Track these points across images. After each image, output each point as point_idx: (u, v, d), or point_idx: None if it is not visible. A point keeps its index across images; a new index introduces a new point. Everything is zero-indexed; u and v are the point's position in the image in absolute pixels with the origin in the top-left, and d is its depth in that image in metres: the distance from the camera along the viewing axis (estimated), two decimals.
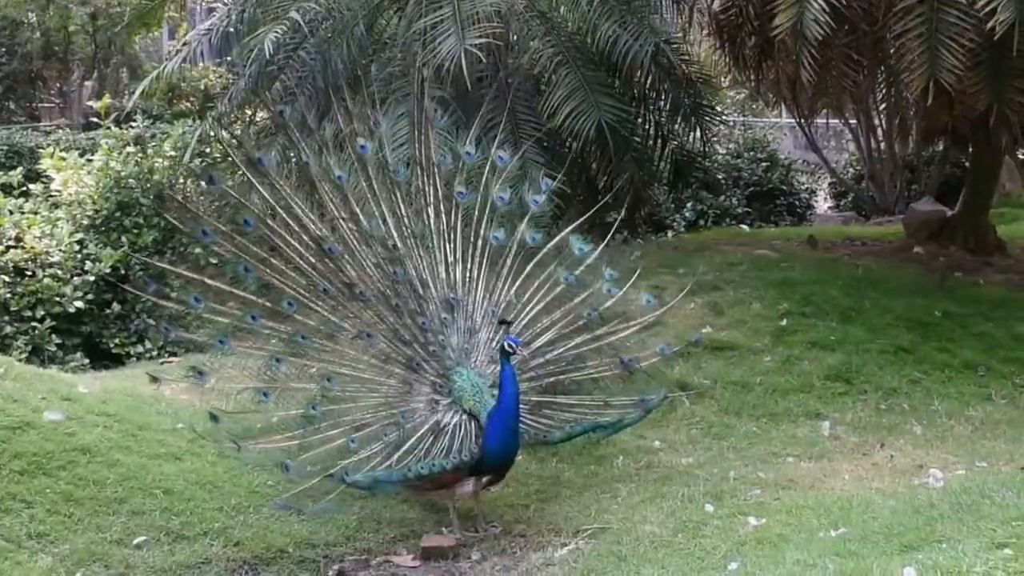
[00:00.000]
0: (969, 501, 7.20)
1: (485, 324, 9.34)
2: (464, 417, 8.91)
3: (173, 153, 17.09)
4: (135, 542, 8.57)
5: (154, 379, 10.42)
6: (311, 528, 9.09)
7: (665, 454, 10.59)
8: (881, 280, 15.27)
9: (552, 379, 9.54)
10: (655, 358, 9.95)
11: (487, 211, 9.62)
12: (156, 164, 16.52)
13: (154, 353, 14.80)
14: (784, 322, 13.52)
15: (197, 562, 8.50)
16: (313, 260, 9.30)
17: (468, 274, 9.46)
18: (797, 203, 25.73)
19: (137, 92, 18.00)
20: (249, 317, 9.46)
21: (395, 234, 9.34)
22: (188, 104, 24.71)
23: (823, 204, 28.18)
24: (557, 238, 9.75)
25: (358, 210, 9.38)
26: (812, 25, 12.62)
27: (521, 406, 8.91)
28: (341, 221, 9.34)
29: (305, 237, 9.30)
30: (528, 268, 9.60)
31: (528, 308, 9.49)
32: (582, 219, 10.15)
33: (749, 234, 20.64)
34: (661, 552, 8.20)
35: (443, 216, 9.52)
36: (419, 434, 8.86)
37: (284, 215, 9.35)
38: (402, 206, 9.46)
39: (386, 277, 9.25)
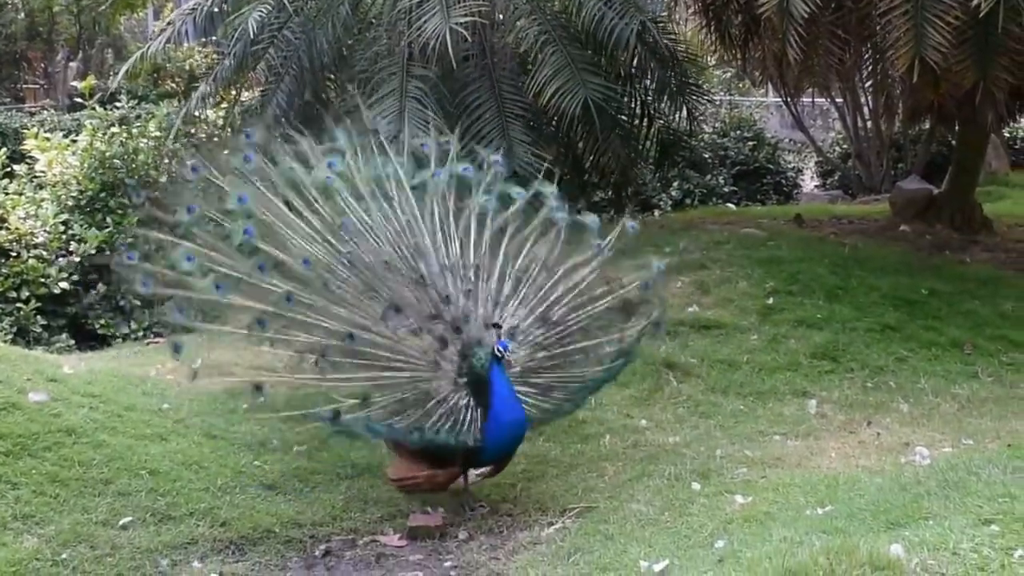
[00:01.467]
0: (956, 478, 7.20)
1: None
2: (473, 402, 8.82)
3: (158, 134, 17.04)
4: (121, 523, 8.54)
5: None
6: (298, 508, 9.08)
7: (652, 433, 10.58)
8: (868, 258, 15.28)
9: (561, 351, 9.40)
10: (650, 276, 9.77)
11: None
12: (141, 145, 16.45)
13: (140, 334, 14.77)
14: (771, 300, 13.53)
15: (183, 542, 8.47)
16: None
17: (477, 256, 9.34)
18: (784, 182, 25.74)
19: (121, 72, 17.97)
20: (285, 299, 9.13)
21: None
22: (173, 84, 24.63)
23: (810, 183, 28.17)
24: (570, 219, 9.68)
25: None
26: (798, 3, 12.61)
27: (531, 389, 8.99)
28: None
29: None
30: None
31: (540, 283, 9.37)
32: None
33: (736, 213, 20.66)
34: (648, 530, 8.19)
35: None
36: (432, 404, 8.80)
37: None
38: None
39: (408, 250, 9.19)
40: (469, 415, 8.78)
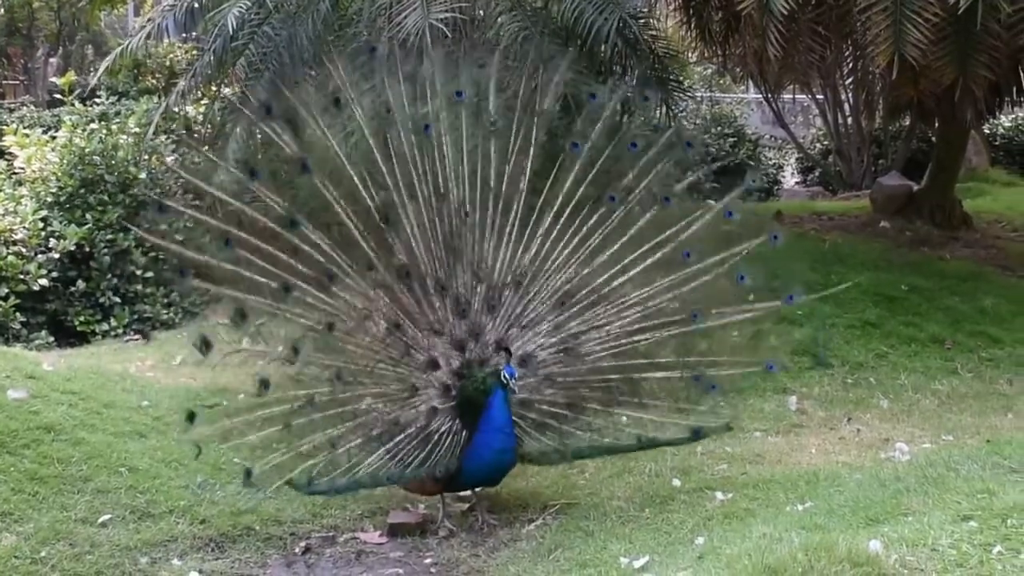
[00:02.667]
0: (935, 474, 7.21)
1: (547, 312, 8.76)
2: (456, 426, 8.60)
3: (137, 130, 16.98)
4: (100, 520, 8.51)
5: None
6: (278, 505, 9.05)
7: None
8: (848, 255, 15.33)
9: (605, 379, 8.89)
10: (748, 368, 9.38)
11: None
12: (120, 141, 16.40)
13: (120, 331, 14.73)
14: (751, 297, 13.50)
15: (163, 540, 8.44)
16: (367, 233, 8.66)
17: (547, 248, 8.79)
18: (764, 178, 25.76)
19: (101, 69, 17.92)
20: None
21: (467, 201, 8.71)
22: (154, 80, 24.51)
23: (790, 179, 28.24)
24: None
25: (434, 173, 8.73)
26: (778, 0, 12.61)
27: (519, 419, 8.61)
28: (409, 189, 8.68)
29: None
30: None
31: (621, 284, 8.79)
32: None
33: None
34: (628, 527, 8.19)
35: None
36: (401, 437, 8.55)
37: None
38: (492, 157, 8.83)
39: (438, 257, 8.68)
40: (448, 440, 8.59)
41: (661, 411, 8.98)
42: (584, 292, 8.74)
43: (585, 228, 8.79)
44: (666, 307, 8.76)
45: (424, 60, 9.24)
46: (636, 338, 8.78)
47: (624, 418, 9.02)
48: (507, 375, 8.24)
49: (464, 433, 8.58)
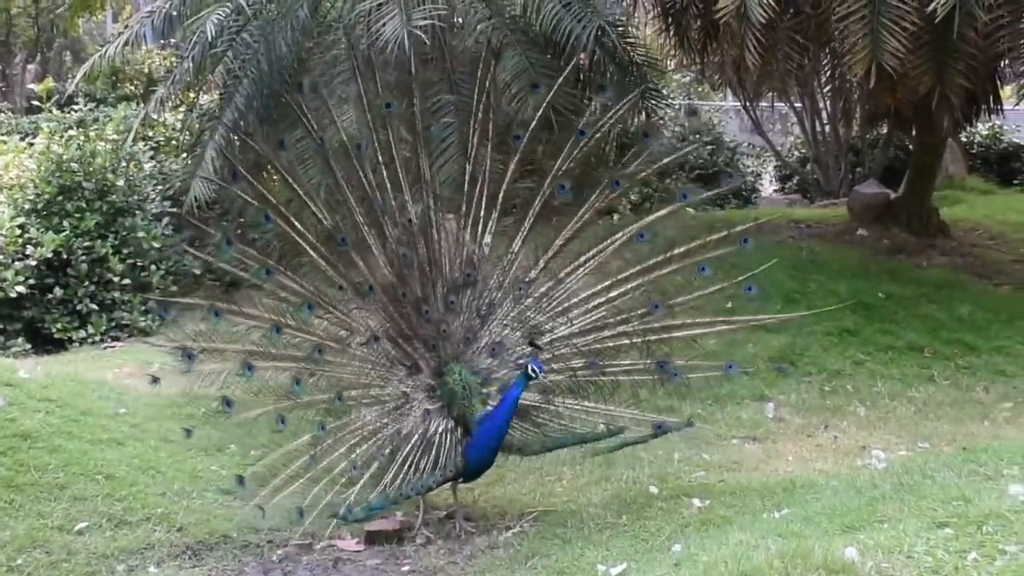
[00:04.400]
0: (911, 481, 7.24)
1: (508, 300, 8.88)
2: (450, 425, 8.72)
3: (115, 137, 16.94)
4: (77, 528, 8.52)
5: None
6: (255, 512, 9.05)
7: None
8: (825, 262, 15.38)
9: (572, 374, 8.97)
10: (713, 372, 9.35)
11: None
12: (98, 148, 16.35)
13: (97, 338, 14.68)
14: (729, 304, 13.52)
15: (139, 547, 8.45)
16: (329, 255, 8.92)
17: (494, 243, 8.95)
18: (743, 186, 25.77)
19: (79, 75, 17.83)
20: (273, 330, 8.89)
21: (410, 206, 8.83)
22: (132, 87, 24.46)
23: (768, 187, 28.25)
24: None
25: (374, 183, 8.88)
26: (756, 8, 12.64)
27: (527, 404, 8.75)
28: (353, 201, 8.90)
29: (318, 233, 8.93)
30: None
31: (567, 284, 8.91)
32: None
33: (694, 217, 20.65)
34: (606, 534, 8.20)
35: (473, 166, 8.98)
36: (408, 447, 8.65)
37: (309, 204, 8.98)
38: (427, 170, 8.92)
39: (394, 264, 8.84)
40: (448, 440, 8.67)
41: (627, 403, 9.10)
42: (543, 282, 8.90)
43: (534, 221, 8.99)
44: (630, 298, 8.92)
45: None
46: (600, 324, 8.92)
47: (593, 410, 9.10)
48: (535, 368, 8.29)
49: (459, 429, 8.67)
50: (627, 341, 8.89)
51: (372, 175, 8.89)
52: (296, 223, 8.90)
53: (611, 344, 8.93)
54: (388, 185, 8.88)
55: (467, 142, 9.06)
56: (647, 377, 9.00)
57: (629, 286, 8.87)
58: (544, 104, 9.29)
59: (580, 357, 8.83)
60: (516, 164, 9.01)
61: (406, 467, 8.59)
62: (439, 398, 8.75)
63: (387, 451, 8.64)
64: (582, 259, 8.90)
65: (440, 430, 8.69)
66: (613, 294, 8.87)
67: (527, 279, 8.88)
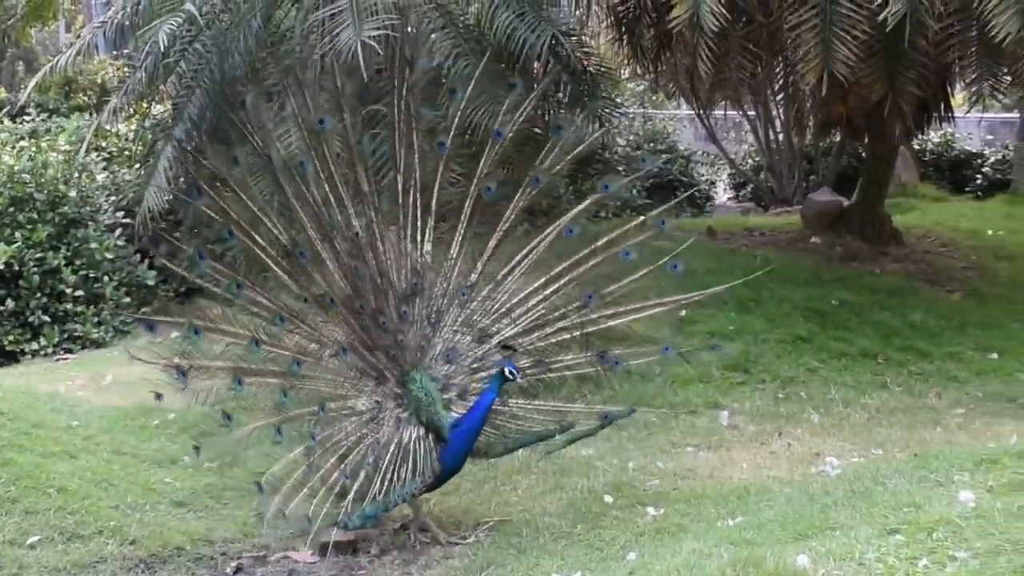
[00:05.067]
0: (863, 488, 7.27)
1: (450, 308, 8.93)
2: (421, 432, 8.69)
3: (68, 147, 16.87)
4: (29, 542, 8.44)
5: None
6: (209, 525, 9.04)
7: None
8: (779, 270, 15.40)
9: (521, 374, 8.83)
10: (651, 357, 9.45)
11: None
12: (51, 159, 16.27)
13: (49, 350, 14.60)
14: (683, 313, 13.57)
15: (92, 561, 8.39)
16: (291, 270, 8.99)
17: (434, 251, 9.01)
18: (697, 194, 25.84)
19: (31, 85, 17.75)
20: (253, 344, 8.89)
21: (355, 220, 8.86)
22: (85, 98, 24.35)
23: (723, 195, 28.36)
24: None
25: (319, 199, 8.89)
26: (709, 17, 12.67)
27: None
28: (304, 218, 8.91)
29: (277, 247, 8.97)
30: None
31: (505, 284, 8.99)
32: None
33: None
34: (561, 543, 8.21)
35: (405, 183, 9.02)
36: (388, 456, 8.61)
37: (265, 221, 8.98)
38: (365, 183, 8.94)
39: (349, 275, 8.85)
40: (423, 447, 8.66)
41: (573, 398, 9.23)
42: (483, 286, 8.96)
43: (467, 226, 9.04)
44: (565, 293, 8.99)
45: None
46: (542, 322, 8.99)
47: (544, 408, 9.15)
48: (512, 371, 8.33)
49: (430, 436, 8.66)
50: (568, 336, 8.99)
51: (316, 191, 8.90)
52: (257, 238, 8.93)
53: (554, 340, 9.01)
54: (332, 200, 8.89)
55: (395, 153, 9.07)
56: (591, 370, 9.09)
57: (562, 281, 8.97)
58: (459, 111, 9.27)
59: (527, 356, 8.88)
60: (443, 171, 9.06)
61: (390, 475, 8.56)
62: (407, 406, 8.76)
63: (371, 460, 8.60)
64: (516, 259, 9.01)
65: (413, 437, 8.67)
66: (549, 291, 8.97)
67: (468, 284, 8.95)
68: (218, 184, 9.26)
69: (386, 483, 8.52)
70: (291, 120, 9.28)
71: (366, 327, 8.87)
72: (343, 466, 8.59)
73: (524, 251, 9.02)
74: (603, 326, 9.02)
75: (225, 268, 9.02)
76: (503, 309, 8.95)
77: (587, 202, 9.23)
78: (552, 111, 16.84)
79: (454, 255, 8.99)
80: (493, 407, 8.65)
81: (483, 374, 8.91)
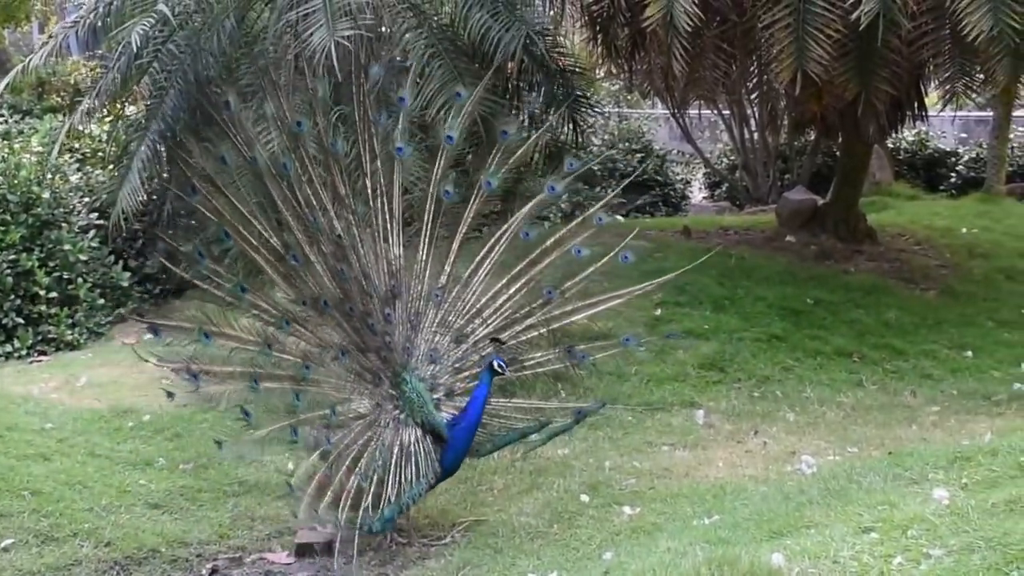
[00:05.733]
0: (838, 487, 7.28)
1: (427, 311, 8.98)
2: (419, 433, 8.67)
3: (41, 149, 16.79)
4: (2, 545, 8.44)
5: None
6: (184, 527, 9.03)
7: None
8: (754, 269, 15.46)
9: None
10: (614, 350, 9.57)
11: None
12: (23, 160, 16.18)
13: (23, 352, 14.53)
14: (659, 312, 13.62)
15: (67, 564, 8.39)
16: (285, 272, 9.04)
17: (405, 254, 9.05)
18: (672, 193, 25.88)
19: (2, 86, 17.67)
20: (265, 348, 8.95)
21: (336, 224, 8.89)
22: (59, 99, 24.25)
23: (698, 194, 28.37)
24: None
25: (302, 201, 8.94)
26: (682, 16, 12.67)
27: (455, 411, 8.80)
28: (291, 220, 8.95)
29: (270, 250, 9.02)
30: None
31: (475, 286, 9.08)
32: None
33: (624, 225, 20.70)
34: (537, 543, 8.22)
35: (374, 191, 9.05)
36: (394, 459, 8.58)
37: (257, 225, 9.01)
38: (341, 186, 8.97)
39: (336, 279, 8.87)
40: (422, 448, 8.64)
41: (548, 396, 9.64)
42: (454, 287, 9.04)
43: (431, 229, 9.10)
44: (528, 291, 9.13)
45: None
46: (510, 320, 9.08)
47: (522, 406, 9.30)
48: (500, 364, 8.44)
49: (428, 436, 8.65)
50: (535, 333, 9.12)
51: (299, 193, 8.92)
52: (251, 239, 8.99)
53: (524, 338, 9.12)
54: (315, 203, 8.92)
55: (361, 157, 9.09)
56: (560, 365, 9.25)
57: (523, 280, 9.08)
58: (403, 115, 9.29)
59: (503, 354, 8.83)
60: (400, 175, 9.09)
61: (398, 477, 8.52)
62: (403, 408, 8.75)
63: (380, 463, 8.55)
64: (476, 261, 9.09)
65: (412, 440, 8.65)
66: (512, 290, 9.07)
67: (439, 285, 9.01)
68: (208, 184, 9.23)
69: (396, 485, 8.48)
70: (271, 121, 9.28)
71: (358, 329, 8.88)
72: (358, 468, 8.50)
73: (482, 253, 9.11)
74: (566, 322, 9.16)
75: (224, 270, 9.09)
76: (473, 309, 9.03)
77: (532, 203, 9.24)
78: (528, 110, 16.85)
79: (423, 257, 9.03)
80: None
81: (465, 373, 8.99)
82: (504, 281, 9.07)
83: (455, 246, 9.08)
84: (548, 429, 9.27)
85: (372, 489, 8.40)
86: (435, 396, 8.82)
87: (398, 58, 14.75)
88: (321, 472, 8.56)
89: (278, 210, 8.99)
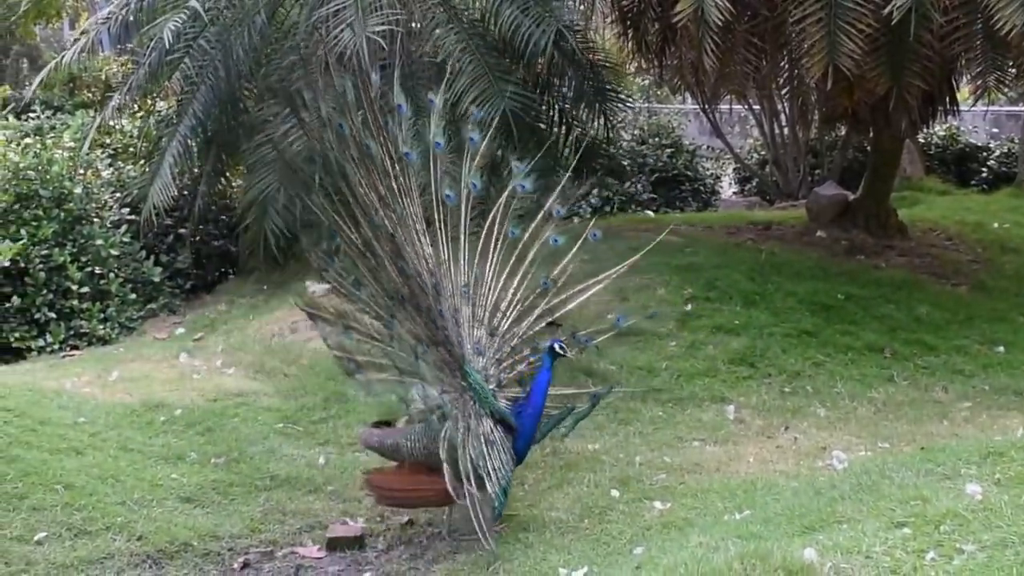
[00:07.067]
0: (869, 482, 7.26)
1: (464, 304, 8.98)
2: (492, 421, 8.62)
3: (72, 144, 16.88)
4: (36, 538, 8.43)
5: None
6: (215, 521, 9.02)
7: (571, 440, 10.55)
8: (784, 264, 15.40)
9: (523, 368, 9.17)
10: (610, 333, 9.50)
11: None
12: (55, 156, 16.28)
13: (56, 347, 14.61)
14: (689, 307, 13.60)
15: (99, 557, 8.37)
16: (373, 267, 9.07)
17: (441, 255, 9.06)
18: (702, 189, 25.83)
19: (36, 83, 17.79)
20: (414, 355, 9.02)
21: (386, 221, 8.90)
22: (89, 95, 24.35)
23: (728, 189, 28.32)
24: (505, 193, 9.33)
25: (359, 199, 8.97)
26: (713, 11, 12.66)
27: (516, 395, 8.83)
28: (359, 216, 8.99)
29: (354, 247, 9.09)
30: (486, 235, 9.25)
31: (493, 284, 9.13)
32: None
33: (654, 220, 20.70)
34: (568, 538, 8.22)
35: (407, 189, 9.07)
36: (482, 445, 8.50)
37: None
38: (380, 186, 8.98)
39: (400, 274, 8.89)
40: (497, 436, 8.58)
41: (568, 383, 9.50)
42: (474, 283, 9.07)
43: (443, 229, 9.13)
44: (527, 285, 9.19)
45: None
46: (523, 311, 9.15)
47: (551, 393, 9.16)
48: (560, 346, 8.54)
49: (500, 425, 8.61)
50: (544, 322, 9.16)
51: (358, 193, 8.96)
52: (348, 235, 9.10)
53: (538, 328, 9.15)
54: (368, 201, 8.95)
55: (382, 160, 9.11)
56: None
57: (519, 275, 9.14)
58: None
59: (525, 345, 9.03)
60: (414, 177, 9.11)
61: (494, 463, 8.46)
62: (475, 399, 8.71)
63: (476, 449, 8.47)
64: (477, 260, 9.12)
65: (489, 427, 8.60)
66: (514, 284, 9.11)
67: (464, 282, 9.03)
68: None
69: (495, 472, 8.42)
70: (320, 125, 9.32)
71: (428, 323, 8.87)
72: (467, 453, 8.46)
73: (478, 252, 9.15)
74: (565, 310, 9.21)
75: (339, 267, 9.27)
76: (492, 304, 9.05)
77: (503, 197, 9.26)
78: (558, 106, 16.90)
79: (445, 256, 9.03)
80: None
81: (505, 364, 8.99)
82: (506, 275, 9.12)
83: (463, 244, 9.11)
84: (574, 415, 9.24)
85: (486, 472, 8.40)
86: (490, 387, 8.77)
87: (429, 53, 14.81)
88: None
89: (349, 208, 9.03)
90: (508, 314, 9.05)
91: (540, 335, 9.13)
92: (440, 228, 9.03)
